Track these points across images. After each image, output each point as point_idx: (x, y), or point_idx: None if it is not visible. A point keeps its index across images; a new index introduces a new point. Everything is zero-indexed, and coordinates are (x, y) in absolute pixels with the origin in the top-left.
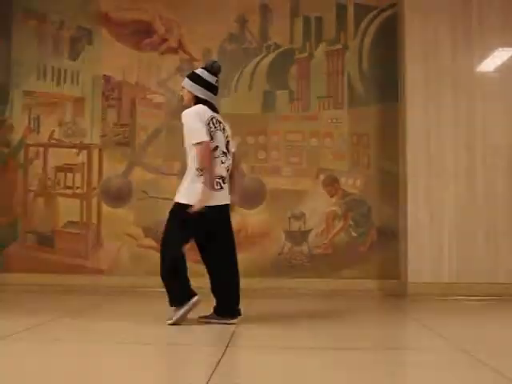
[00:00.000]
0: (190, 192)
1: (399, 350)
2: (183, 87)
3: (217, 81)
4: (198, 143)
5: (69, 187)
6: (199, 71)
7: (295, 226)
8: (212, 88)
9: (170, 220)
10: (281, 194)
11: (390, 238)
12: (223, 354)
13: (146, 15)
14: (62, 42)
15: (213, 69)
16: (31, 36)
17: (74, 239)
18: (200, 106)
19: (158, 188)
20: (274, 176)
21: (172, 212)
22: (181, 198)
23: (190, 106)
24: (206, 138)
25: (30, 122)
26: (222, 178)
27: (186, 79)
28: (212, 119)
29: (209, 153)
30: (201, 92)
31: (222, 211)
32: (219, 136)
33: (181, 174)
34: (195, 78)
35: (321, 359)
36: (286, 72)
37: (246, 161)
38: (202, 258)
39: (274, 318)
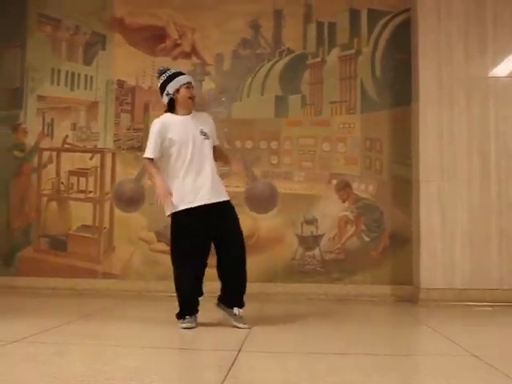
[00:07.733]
0: None
1: (411, 355)
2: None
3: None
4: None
5: (82, 191)
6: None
7: (307, 230)
8: None
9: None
10: (293, 199)
11: (403, 243)
12: (235, 358)
13: (159, 21)
14: (77, 48)
15: None
16: (46, 41)
17: (86, 243)
18: None
19: None
20: (286, 181)
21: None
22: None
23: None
24: None
25: (44, 127)
26: None
27: None
28: None
29: None
30: None
31: None
32: None
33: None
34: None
35: (333, 364)
36: (298, 77)
37: (259, 165)
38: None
39: (286, 323)
